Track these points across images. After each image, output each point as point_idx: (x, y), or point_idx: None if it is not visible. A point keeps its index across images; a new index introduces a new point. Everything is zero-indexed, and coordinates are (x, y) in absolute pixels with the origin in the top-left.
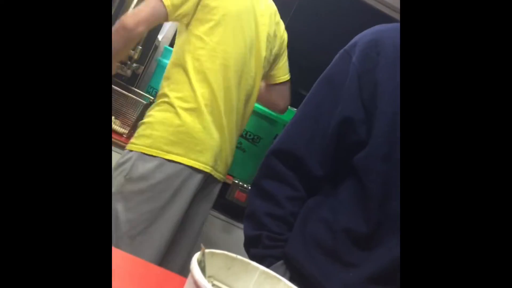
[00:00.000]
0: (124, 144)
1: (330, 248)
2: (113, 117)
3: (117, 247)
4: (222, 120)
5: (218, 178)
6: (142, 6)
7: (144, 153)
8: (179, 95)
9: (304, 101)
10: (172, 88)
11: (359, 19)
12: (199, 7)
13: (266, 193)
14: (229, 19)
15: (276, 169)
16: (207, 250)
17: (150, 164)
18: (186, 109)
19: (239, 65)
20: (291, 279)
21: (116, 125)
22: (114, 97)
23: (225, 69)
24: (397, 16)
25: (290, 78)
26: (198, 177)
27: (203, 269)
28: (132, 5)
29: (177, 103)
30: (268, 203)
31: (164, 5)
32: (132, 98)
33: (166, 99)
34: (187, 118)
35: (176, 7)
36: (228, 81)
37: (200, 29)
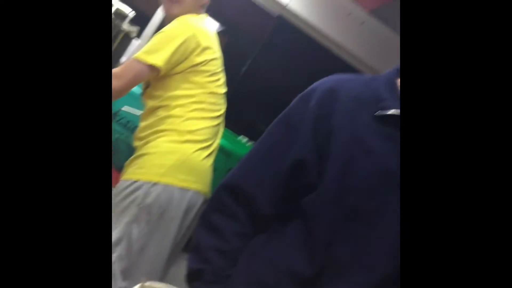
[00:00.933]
0: None
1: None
2: None
3: (128, 273)
4: (214, 151)
5: None
6: (126, 68)
7: (156, 182)
8: (182, 129)
9: (260, 138)
10: (174, 123)
11: (322, 64)
12: (193, 62)
13: (214, 227)
14: (219, 65)
15: (226, 203)
16: (147, 283)
17: (164, 192)
18: (189, 141)
19: (224, 104)
20: None
21: None
22: None
23: (219, 108)
24: (358, 65)
25: (252, 113)
26: (201, 200)
27: None
28: None
29: (180, 135)
30: (215, 238)
31: (154, 66)
32: None
33: (168, 132)
34: (192, 148)
35: (172, 64)
36: (221, 118)
37: (199, 78)
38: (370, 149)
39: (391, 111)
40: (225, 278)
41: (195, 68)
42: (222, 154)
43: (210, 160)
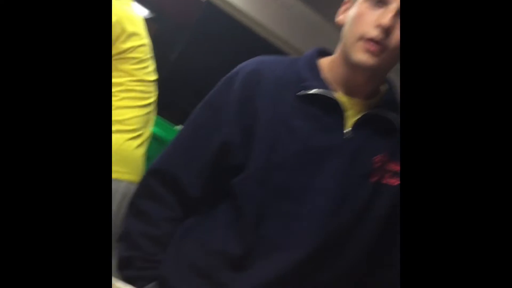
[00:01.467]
0: None
1: (203, 269)
2: None
3: None
4: (146, 140)
5: None
6: None
7: None
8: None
9: (186, 122)
10: None
11: (251, 48)
12: (119, 49)
13: (143, 214)
14: (147, 51)
15: (153, 189)
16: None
17: None
18: (119, 131)
19: (154, 91)
20: None
21: None
22: None
23: (149, 96)
24: (286, 48)
25: (184, 99)
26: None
27: None
28: None
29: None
30: (144, 224)
31: None
32: None
33: None
34: (123, 139)
35: None
36: (151, 106)
37: (126, 66)
38: (293, 128)
39: (313, 91)
40: (156, 264)
41: (121, 55)
42: (156, 142)
43: (142, 149)
